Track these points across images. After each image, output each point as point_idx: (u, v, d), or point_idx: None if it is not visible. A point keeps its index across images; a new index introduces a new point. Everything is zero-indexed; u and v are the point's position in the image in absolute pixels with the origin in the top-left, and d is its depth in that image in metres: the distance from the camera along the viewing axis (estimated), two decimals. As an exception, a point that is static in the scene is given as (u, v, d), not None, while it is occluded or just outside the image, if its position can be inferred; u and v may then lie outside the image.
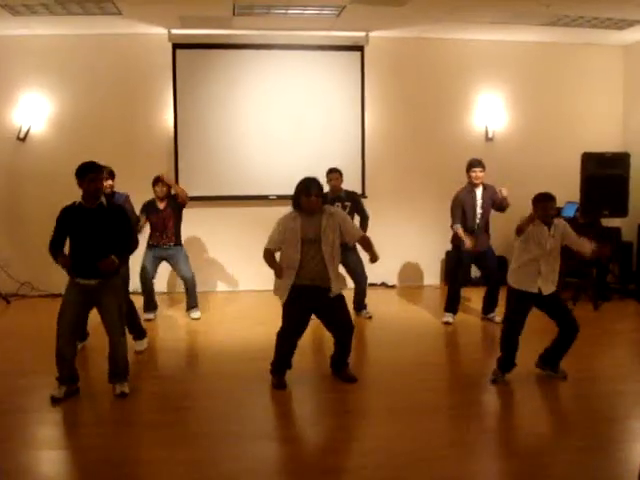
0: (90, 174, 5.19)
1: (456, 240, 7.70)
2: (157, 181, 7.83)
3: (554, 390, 5.60)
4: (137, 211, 7.47)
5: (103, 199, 5.33)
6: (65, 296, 5.34)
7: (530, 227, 5.55)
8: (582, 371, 5.95)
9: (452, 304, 7.82)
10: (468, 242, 7.45)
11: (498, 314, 7.65)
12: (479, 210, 7.61)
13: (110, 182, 6.62)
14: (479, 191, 7.62)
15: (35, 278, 8.98)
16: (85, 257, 5.18)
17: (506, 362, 5.71)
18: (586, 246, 5.69)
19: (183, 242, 8.05)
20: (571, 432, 4.85)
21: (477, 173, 7.56)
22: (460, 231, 7.51)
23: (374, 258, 5.68)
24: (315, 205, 5.52)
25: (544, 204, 5.54)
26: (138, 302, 7.57)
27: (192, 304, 8.08)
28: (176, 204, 7.84)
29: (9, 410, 5.12)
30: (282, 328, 5.69)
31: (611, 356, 6.77)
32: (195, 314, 8.05)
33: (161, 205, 7.85)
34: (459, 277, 7.85)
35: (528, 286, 5.60)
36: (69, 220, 5.25)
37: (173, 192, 7.85)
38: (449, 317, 7.79)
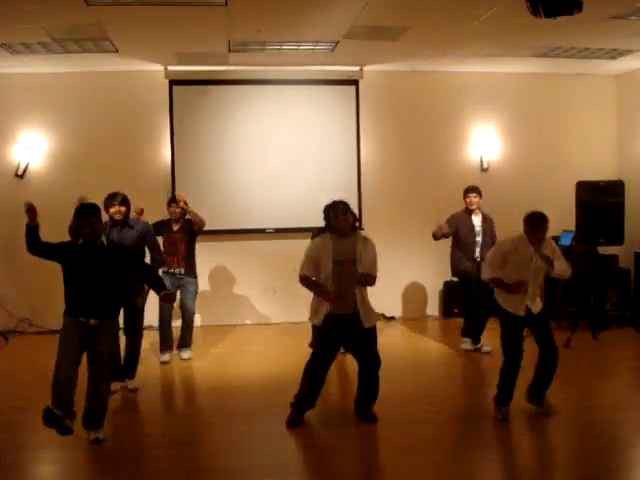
0: (78, 221, 5.22)
1: (455, 267, 7.77)
2: (171, 201, 7.69)
3: (554, 420, 5.56)
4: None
5: (103, 239, 5.30)
6: (61, 335, 5.20)
7: (516, 247, 5.54)
8: (581, 400, 5.94)
9: (470, 330, 7.80)
10: (443, 227, 7.64)
11: (485, 344, 7.66)
12: (478, 238, 7.65)
13: (122, 208, 6.55)
14: (477, 218, 7.69)
15: (33, 314, 8.97)
16: (84, 296, 5.11)
17: (507, 392, 5.59)
18: (568, 270, 5.63)
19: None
20: (572, 462, 4.83)
21: (471, 198, 7.69)
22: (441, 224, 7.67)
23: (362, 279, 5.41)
24: (345, 223, 5.47)
25: (537, 225, 5.48)
26: (150, 338, 7.57)
27: (185, 343, 7.83)
28: (190, 229, 7.66)
29: (8, 448, 5.10)
30: (313, 356, 5.61)
31: (610, 384, 6.75)
32: (186, 354, 7.80)
33: (175, 226, 7.66)
34: (472, 301, 7.72)
35: (516, 308, 5.53)
36: (70, 254, 5.17)
37: (187, 217, 7.64)
38: (467, 344, 7.77)
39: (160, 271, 7.21)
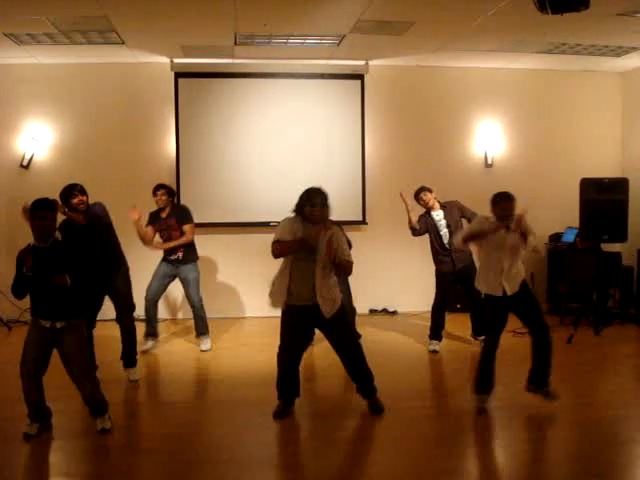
0: (39, 212, 4.88)
1: (435, 263, 7.77)
2: (157, 189, 7.49)
3: (555, 416, 5.58)
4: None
5: (58, 235, 5.03)
6: (27, 337, 5.18)
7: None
8: (583, 396, 5.94)
9: (435, 331, 7.74)
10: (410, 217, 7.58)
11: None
12: (444, 230, 7.61)
13: (84, 198, 6.24)
14: (436, 213, 7.65)
15: (37, 305, 8.97)
16: (45, 298, 4.97)
17: (486, 380, 5.59)
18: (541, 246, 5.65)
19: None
20: (574, 459, 4.82)
21: (424, 198, 7.66)
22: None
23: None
24: (320, 216, 5.27)
25: (504, 204, 5.52)
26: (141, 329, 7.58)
27: (201, 330, 7.75)
28: (182, 214, 7.54)
29: (9, 437, 5.13)
30: (280, 345, 5.53)
31: (612, 381, 6.75)
32: (205, 345, 7.73)
33: (163, 214, 7.53)
34: (439, 300, 7.78)
35: (494, 289, 5.54)
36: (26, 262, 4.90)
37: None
38: (435, 345, 7.70)
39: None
